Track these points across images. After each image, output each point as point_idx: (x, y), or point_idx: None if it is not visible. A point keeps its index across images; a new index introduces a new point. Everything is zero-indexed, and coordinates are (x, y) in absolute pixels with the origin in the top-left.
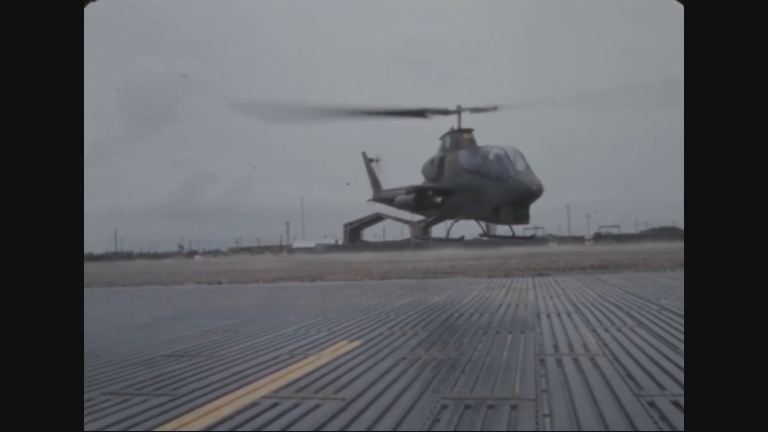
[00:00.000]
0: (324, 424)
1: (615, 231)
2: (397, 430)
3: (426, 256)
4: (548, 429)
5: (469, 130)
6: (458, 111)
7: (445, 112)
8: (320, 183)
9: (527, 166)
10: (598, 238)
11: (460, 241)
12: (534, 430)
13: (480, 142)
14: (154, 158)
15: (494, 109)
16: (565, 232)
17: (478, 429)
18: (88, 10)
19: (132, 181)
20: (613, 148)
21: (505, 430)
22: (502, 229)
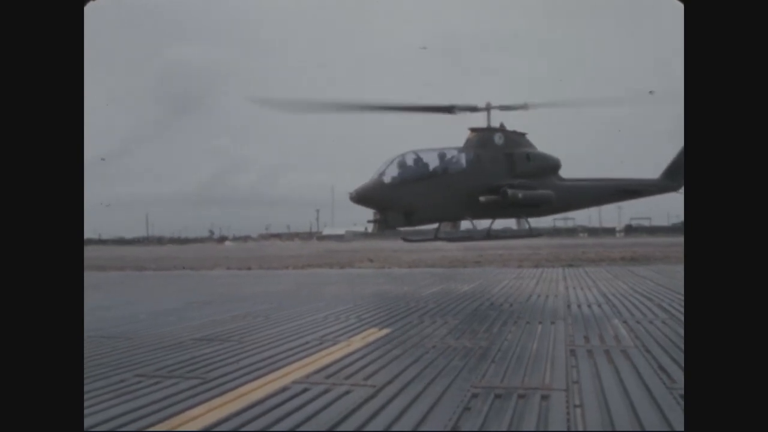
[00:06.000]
0: (354, 411)
1: (646, 223)
2: (426, 418)
3: (455, 245)
4: (579, 419)
5: (472, 129)
6: (487, 108)
7: (473, 109)
8: (351, 171)
9: (384, 175)
10: (629, 230)
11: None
12: (565, 419)
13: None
14: (186, 146)
15: (523, 107)
16: (595, 224)
17: (509, 418)
18: (88, 10)
19: (164, 168)
20: (644, 139)
21: (535, 419)
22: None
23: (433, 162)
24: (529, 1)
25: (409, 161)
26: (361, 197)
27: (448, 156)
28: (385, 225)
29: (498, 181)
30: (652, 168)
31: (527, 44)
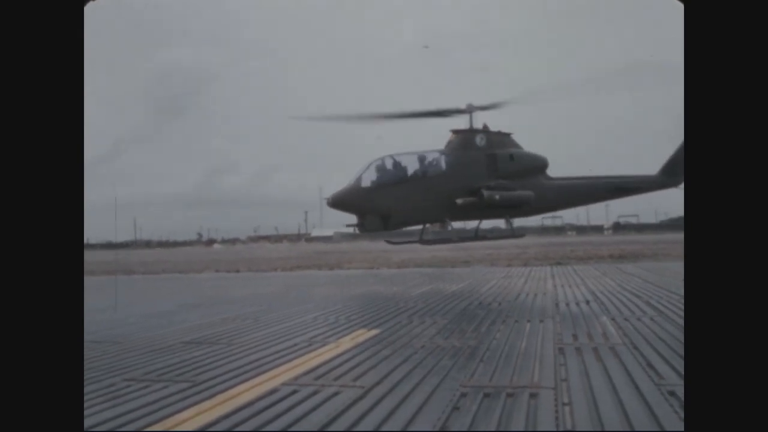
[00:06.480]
0: (343, 412)
1: (634, 221)
2: (415, 418)
3: (443, 245)
4: (568, 417)
5: (454, 131)
6: (469, 110)
7: (459, 111)
8: (339, 172)
9: (360, 179)
10: (617, 227)
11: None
12: (554, 418)
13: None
14: (174, 149)
15: (496, 106)
16: (583, 222)
17: (498, 417)
18: (88, 10)
19: (152, 171)
20: (632, 136)
21: (524, 418)
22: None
23: (411, 165)
24: (529, 1)
25: (387, 165)
26: (338, 202)
27: (428, 159)
28: (362, 229)
29: (478, 182)
30: (650, 166)
31: (526, 44)
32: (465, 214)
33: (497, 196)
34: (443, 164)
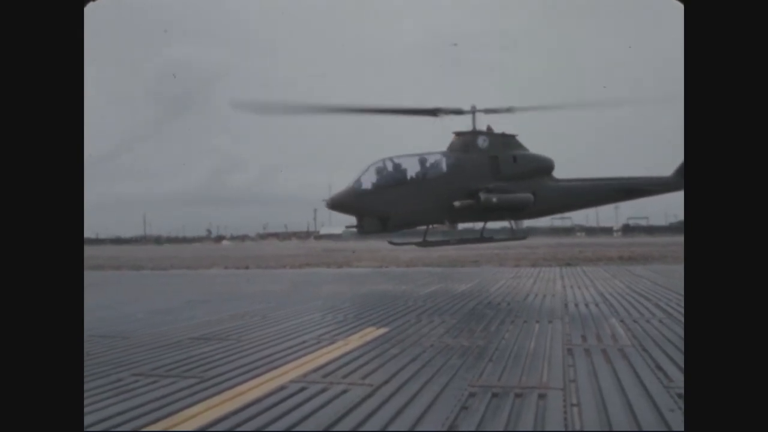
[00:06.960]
0: (351, 410)
1: (644, 223)
2: (424, 417)
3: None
4: (576, 418)
5: (457, 132)
6: (472, 111)
7: (458, 112)
8: (348, 170)
9: (359, 181)
10: (627, 229)
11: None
12: (562, 418)
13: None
14: (184, 145)
15: (508, 110)
16: (593, 223)
17: (506, 417)
18: (88, 10)
19: (162, 168)
20: (641, 138)
21: (532, 418)
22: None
23: (411, 167)
24: (529, 1)
25: (386, 167)
26: (336, 204)
27: (429, 161)
28: (361, 230)
29: (479, 184)
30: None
31: (526, 44)
32: (463, 216)
33: (494, 199)
34: (444, 166)
